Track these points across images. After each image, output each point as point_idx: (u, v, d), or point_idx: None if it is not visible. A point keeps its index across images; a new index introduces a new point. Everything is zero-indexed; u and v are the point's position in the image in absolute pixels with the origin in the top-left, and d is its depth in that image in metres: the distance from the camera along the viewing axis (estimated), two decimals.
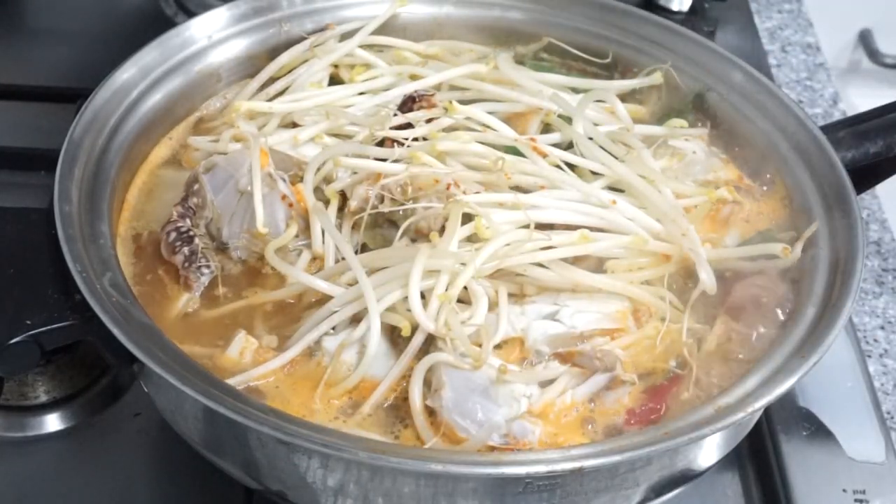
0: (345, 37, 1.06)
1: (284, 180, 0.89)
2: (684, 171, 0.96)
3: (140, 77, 0.96)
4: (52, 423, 0.92)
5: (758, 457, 0.92)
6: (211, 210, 0.88)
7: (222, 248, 0.88)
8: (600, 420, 0.79)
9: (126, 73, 0.95)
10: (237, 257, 0.88)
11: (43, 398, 0.92)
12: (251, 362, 0.80)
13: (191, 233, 0.87)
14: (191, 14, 1.22)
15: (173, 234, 0.86)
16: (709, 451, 0.79)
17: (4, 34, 1.38)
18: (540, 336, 0.82)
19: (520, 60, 1.08)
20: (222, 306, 0.85)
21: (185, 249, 0.86)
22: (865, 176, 0.94)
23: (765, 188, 0.96)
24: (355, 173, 0.90)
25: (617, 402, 0.80)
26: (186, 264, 0.85)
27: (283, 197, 0.88)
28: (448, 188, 0.85)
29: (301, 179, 0.90)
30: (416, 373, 0.78)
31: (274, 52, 1.05)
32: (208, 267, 0.86)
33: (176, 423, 0.81)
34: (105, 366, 0.94)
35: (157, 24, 1.12)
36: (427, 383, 0.79)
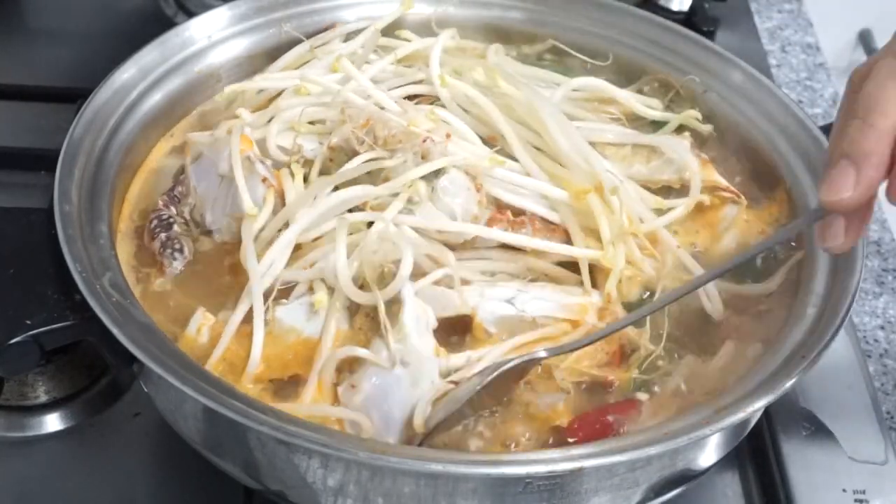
0: (349, 37, 1.06)
1: (263, 163, 0.89)
2: (658, 170, 0.96)
3: (140, 77, 0.96)
4: (52, 423, 0.91)
5: (758, 457, 0.92)
6: (194, 197, 0.91)
7: (207, 233, 0.90)
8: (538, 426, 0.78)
9: (126, 73, 0.95)
10: (220, 241, 0.89)
11: (43, 398, 0.92)
12: (208, 339, 0.81)
13: (171, 220, 0.89)
14: (191, 14, 1.22)
15: (155, 222, 0.89)
16: (709, 451, 0.79)
17: (4, 34, 1.38)
18: (488, 315, 0.82)
19: (523, 60, 1.07)
20: (194, 288, 0.87)
21: (163, 235, 0.88)
22: None
23: (763, 190, 0.96)
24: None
25: (550, 408, 0.79)
26: (162, 249, 0.88)
27: (264, 179, 0.88)
28: (424, 142, 0.86)
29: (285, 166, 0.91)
30: (326, 365, 0.78)
31: (274, 52, 1.05)
32: (181, 252, 0.88)
33: (176, 423, 0.81)
34: (105, 366, 0.94)
35: (157, 24, 1.12)
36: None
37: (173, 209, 0.90)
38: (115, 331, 0.72)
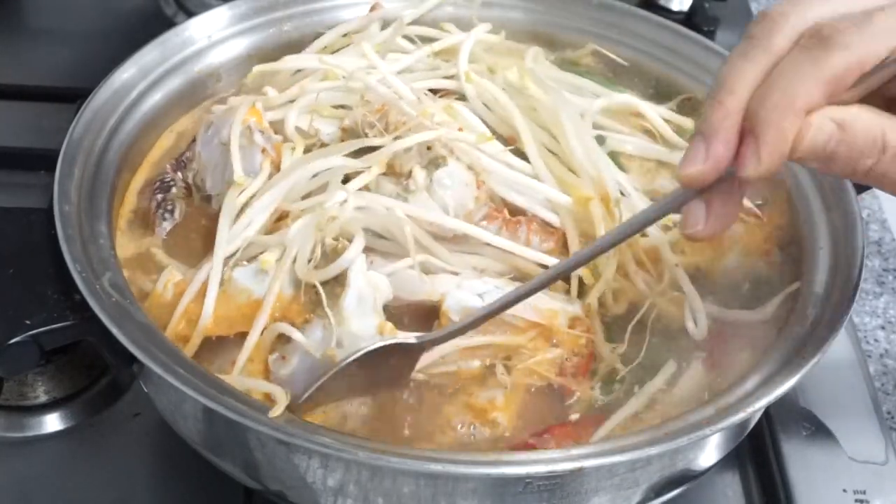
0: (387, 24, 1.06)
1: (262, 133, 0.90)
2: None
3: (140, 77, 0.96)
4: (52, 423, 0.91)
5: (758, 457, 0.92)
6: (198, 162, 0.92)
7: (207, 198, 0.92)
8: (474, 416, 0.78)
9: (126, 73, 0.95)
10: (217, 207, 0.89)
11: (43, 398, 0.92)
12: (172, 295, 0.82)
13: (171, 183, 0.92)
14: (191, 14, 1.22)
15: (157, 184, 0.92)
16: (709, 451, 0.79)
17: (4, 34, 1.38)
18: (454, 304, 0.81)
19: (559, 65, 1.07)
20: (180, 249, 0.88)
21: (159, 196, 0.91)
22: None
23: (766, 200, 0.95)
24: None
25: (488, 400, 0.79)
26: (155, 209, 0.90)
27: (263, 150, 0.88)
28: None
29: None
30: (263, 339, 0.78)
31: (274, 52, 1.05)
32: (172, 213, 0.90)
33: (176, 423, 0.81)
34: (105, 366, 0.94)
35: (157, 24, 1.12)
36: None
37: (179, 174, 0.93)
38: (114, 331, 0.72)
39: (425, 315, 0.83)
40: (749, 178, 0.65)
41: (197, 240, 0.89)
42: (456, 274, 0.84)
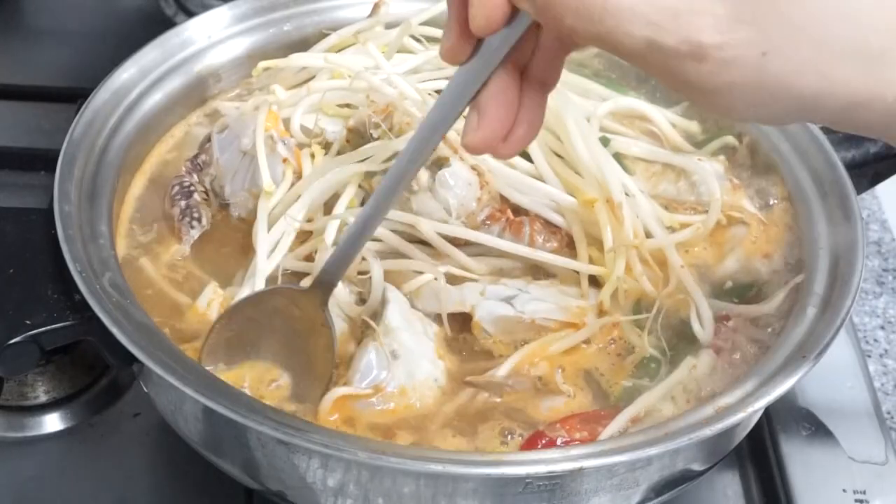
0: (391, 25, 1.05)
1: (285, 143, 0.90)
2: (686, 191, 0.96)
3: (140, 77, 0.96)
4: (52, 423, 0.91)
5: (758, 457, 0.92)
6: (216, 168, 0.91)
7: (224, 206, 0.91)
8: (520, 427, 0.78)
9: (126, 73, 0.95)
10: (236, 215, 0.90)
11: (43, 398, 0.92)
12: (216, 314, 0.82)
13: (191, 188, 0.90)
14: (191, 14, 1.22)
15: (176, 188, 0.91)
16: (709, 452, 0.79)
17: (4, 34, 1.38)
18: (486, 314, 0.82)
19: (567, 67, 1.06)
20: (205, 260, 0.88)
21: (182, 203, 0.89)
22: (865, 176, 0.94)
23: (770, 203, 0.95)
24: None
25: (550, 410, 0.79)
26: (181, 217, 0.89)
27: (285, 160, 0.88)
28: None
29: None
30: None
31: (274, 52, 1.05)
32: (199, 221, 0.89)
33: (176, 423, 0.81)
34: (105, 366, 0.94)
35: (157, 24, 1.11)
36: None
37: (195, 176, 0.92)
38: (115, 331, 0.72)
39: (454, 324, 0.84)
40: (477, 30, 0.62)
41: (218, 249, 0.89)
42: (475, 280, 0.84)
